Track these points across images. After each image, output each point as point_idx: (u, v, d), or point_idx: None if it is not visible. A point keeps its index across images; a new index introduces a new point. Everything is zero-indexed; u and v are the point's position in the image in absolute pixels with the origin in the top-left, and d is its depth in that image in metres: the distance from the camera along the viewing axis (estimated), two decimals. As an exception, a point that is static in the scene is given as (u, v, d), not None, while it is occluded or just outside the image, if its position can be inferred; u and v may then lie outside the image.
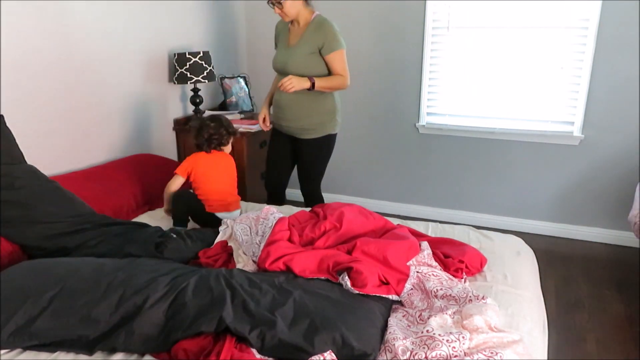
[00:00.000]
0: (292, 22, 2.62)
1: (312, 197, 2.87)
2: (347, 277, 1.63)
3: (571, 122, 3.16)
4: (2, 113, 2.09)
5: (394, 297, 1.64)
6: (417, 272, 1.74)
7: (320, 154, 2.75)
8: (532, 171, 3.33)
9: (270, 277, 1.66)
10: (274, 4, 2.50)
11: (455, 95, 3.38)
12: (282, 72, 2.62)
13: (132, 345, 1.39)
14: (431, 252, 1.85)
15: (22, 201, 1.90)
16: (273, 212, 2.10)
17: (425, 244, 1.89)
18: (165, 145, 3.22)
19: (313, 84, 2.48)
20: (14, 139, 2.04)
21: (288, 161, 2.86)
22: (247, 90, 3.46)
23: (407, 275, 1.69)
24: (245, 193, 3.09)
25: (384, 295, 1.62)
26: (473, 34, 3.21)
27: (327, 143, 2.73)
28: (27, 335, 1.40)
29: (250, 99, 3.48)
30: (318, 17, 2.57)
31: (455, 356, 1.32)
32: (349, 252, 1.78)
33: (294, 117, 2.64)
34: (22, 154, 2.06)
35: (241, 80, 3.44)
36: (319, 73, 2.53)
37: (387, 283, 1.66)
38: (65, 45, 2.38)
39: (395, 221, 2.20)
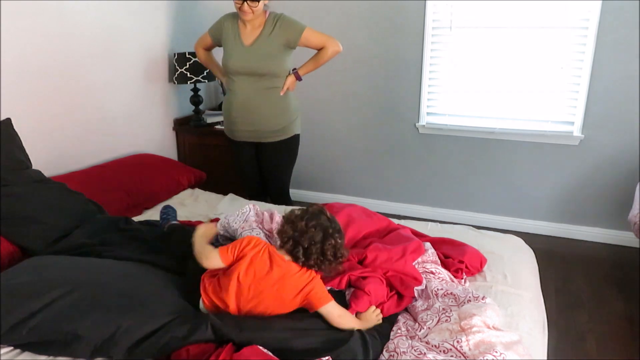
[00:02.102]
0: (243, 21, 2.51)
1: (283, 198, 2.83)
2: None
3: (571, 122, 3.16)
4: (1, 114, 2.09)
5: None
6: (422, 271, 1.74)
7: (290, 156, 2.74)
8: (532, 171, 3.33)
9: None
10: (245, 3, 2.41)
11: (455, 95, 3.37)
12: (240, 73, 2.53)
13: (132, 352, 1.39)
14: (435, 252, 1.86)
15: (23, 205, 1.90)
16: (272, 213, 2.09)
17: (428, 244, 1.90)
18: (166, 145, 3.22)
19: (298, 74, 2.59)
20: (21, 143, 2.04)
21: (257, 168, 2.83)
22: (247, 90, 3.46)
23: (420, 282, 1.67)
24: (245, 193, 3.09)
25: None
26: (473, 34, 3.21)
27: (294, 144, 2.74)
28: (26, 329, 1.39)
29: (250, 99, 3.48)
30: (272, 14, 2.54)
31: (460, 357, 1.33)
32: (360, 262, 1.74)
33: (263, 119, 2.58)
34: (27, 158, 2.06)
35: (241, 80, 3.44)
36: (282, 70, 2.54)
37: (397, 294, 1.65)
38: (65, 45, 2.38)
39: (395, 221, 2.20)
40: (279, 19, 2.51)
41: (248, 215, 2.00)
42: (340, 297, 1.57)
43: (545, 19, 3.02)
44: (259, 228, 1.94)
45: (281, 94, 2.55)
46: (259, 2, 2.41)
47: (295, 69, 2.61)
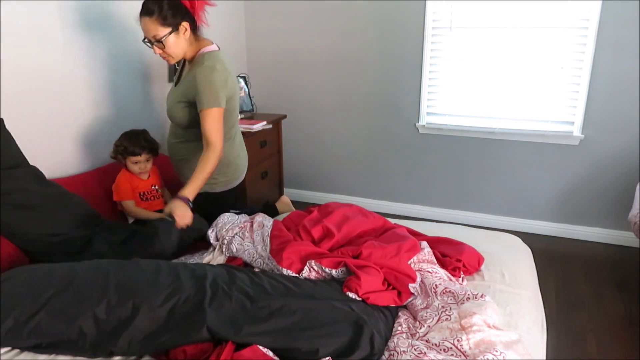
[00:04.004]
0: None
1: None
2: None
3: (571, 122, 3.16)
4: (1, 115, 2.09)
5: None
6: (417, 270, 1.74)
7: (200, 213, 2.11)
8: (532, 171, 3.33)
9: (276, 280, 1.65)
10: (152, 44, 1.99)
11: (455, 95, 3.38)
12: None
13: (130, 347, 1.39)
14: (431, 251, 1.85)
15: (22, 205, 1.89)
16: (264, 218, 2.10)
17: (424, 243, 1.89)
18: (165, 145, 3.21)
19: (187, 200, 1.90)
20: (14, 142, 2.03)
21: None
22: (247, 90, 3.47)
23: (414, 280, 1.67)
24: (245, 193, 3.09)
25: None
26: (473, 33, 3.21)
27: (210, 202, 2.22)
28: (26, 332, 1.39)
29: (250, 99, 3.49)
30: (202, 56, 2.02)
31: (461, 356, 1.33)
32: (355, 258, 1.76)
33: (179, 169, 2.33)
34: (22, 156, 2.05)
35: (241, 80, 3.44)
36: (188, 122, 2.10)
37: (392, 288, 1.65)
38: (65, 45, 2.38)
39: (395, 221, 2.20)
40: (201, 67, 1.97)
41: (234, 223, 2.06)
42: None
43: (545, 19, 3.02)
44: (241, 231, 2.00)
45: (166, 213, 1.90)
46: (162, 43, 1.94)
47: (180, 195, 1.91)
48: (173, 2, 1.93)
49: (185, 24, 1.97)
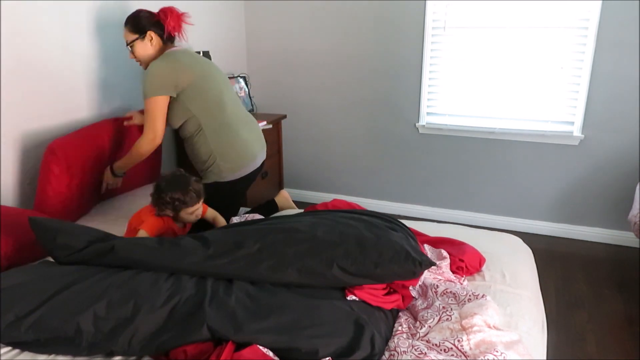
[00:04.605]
0: None
1: None
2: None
3: (571, 122, 3.16)
4: (1, 115, 2.09)
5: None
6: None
7: (211, 202, 2.20)
8: (532, 171, 3.33)
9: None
10: (128, 49, 2.28)
11: (455, 95, 3.38)
12: None
13: (130, 347, 1.39)
14: (433, 252, 1.86)
15: None
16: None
17: (426, 247, 1.90)
18: (165, 145, 3.22)
19: (111, 168, 2.30)
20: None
21: None
22: (247, 90, 3.47)
23: (416, 283, 1.66)
24: (245, 193, 3.09)
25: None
26: (473, 34, 3.21)
27: (213, 192, 2.23)
28: (25, 326, 1.39)
29: (250, 99, 3.49)
30: (164, 55, 2.23)
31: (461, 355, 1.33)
32: None
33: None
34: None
35: (241, 80, 3.44)
36: (174, 119, 2.28)
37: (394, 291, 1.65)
38: (64, 45, 2.38)
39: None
40: (153, 62, 2.19)
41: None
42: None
43: (545, 19, 3.02)
44: None
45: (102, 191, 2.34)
46: (132, 47, 2.24)
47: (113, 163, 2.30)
48: (145, 15, 2.25)
49: (151, 33, 2.23)
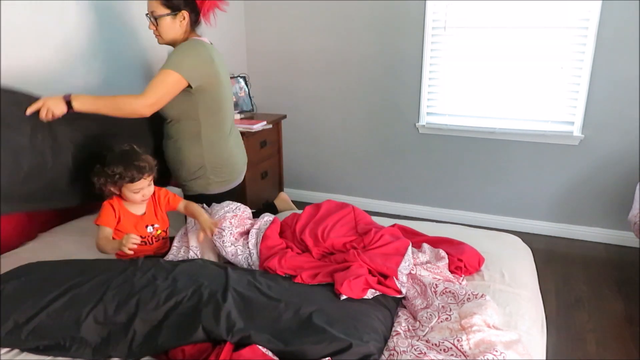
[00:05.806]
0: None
1: None
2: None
3: (571, 122, 3.16)
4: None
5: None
6: (418, 274, 1.73)
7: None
8: (532, 171, 3.33)
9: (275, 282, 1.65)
10: (150, 19, 2.08)
11: (455, 95, 3.38)
12: None
13: (131, 351, 1.38)
14: (434, 251, 1.86)
15: None
16: (263, 218, 2.07)
17: (425, 246, 1.90)
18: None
19: (68, 102, 1.80)
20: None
21: None
22: (247, 90, 3.47)
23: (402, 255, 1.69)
24: (245, 193, 3.09)
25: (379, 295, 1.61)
26: (473, 33, 3.21)
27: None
28: (25, 333, 1.39)
29: (250, 99, 3.49)
30: (186, 40, 2.08)
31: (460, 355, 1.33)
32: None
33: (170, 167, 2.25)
34: None
35: (241, 80, 3.44)
36: (172, 113, 2.10)
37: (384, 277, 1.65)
38: (64, 45, 2.39)
39: (395, 222, 2.19)
40: (181, 44, 2.04)
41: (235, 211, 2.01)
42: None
43: (545, 19, 3.02)
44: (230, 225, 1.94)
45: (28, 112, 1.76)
46: (157, 21, 2.04)
47: (65, 95, 1.82)
48: None
49: (184, 13, 2.05)
